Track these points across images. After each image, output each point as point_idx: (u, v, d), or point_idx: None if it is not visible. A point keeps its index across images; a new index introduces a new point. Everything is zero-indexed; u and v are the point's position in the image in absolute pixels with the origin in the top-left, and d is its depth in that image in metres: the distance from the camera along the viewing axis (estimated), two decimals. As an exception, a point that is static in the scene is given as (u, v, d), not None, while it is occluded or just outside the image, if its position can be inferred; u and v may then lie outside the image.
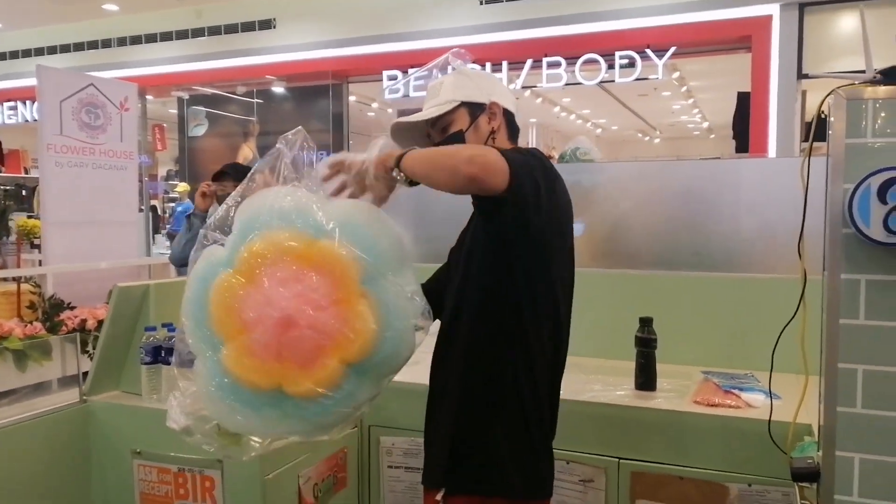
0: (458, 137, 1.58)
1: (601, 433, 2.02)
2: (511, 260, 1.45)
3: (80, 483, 2.03)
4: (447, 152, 1.39)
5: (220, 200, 3.29)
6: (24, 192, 9.62)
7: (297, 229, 1.25)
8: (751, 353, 2.30)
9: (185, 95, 9.11)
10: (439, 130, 1.62)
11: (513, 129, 1.66)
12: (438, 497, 1.48)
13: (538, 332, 1.50)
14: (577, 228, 2.69)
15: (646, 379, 2.15)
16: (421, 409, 1.92)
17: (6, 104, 9.76)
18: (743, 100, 6.39)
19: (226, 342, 1.22)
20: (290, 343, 1.18)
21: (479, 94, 1.62)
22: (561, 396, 1.89)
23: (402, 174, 1.36)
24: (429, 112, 1.60)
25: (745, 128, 6.30)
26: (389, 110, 8.92)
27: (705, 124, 14.94)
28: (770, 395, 1.61)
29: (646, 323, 2.18)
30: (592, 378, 2.29)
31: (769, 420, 1.58)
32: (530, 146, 1.73)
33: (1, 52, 9.75)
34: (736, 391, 2.07)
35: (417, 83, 7.26)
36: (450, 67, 1.70)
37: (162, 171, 12.18)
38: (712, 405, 1.97)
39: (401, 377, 2.19)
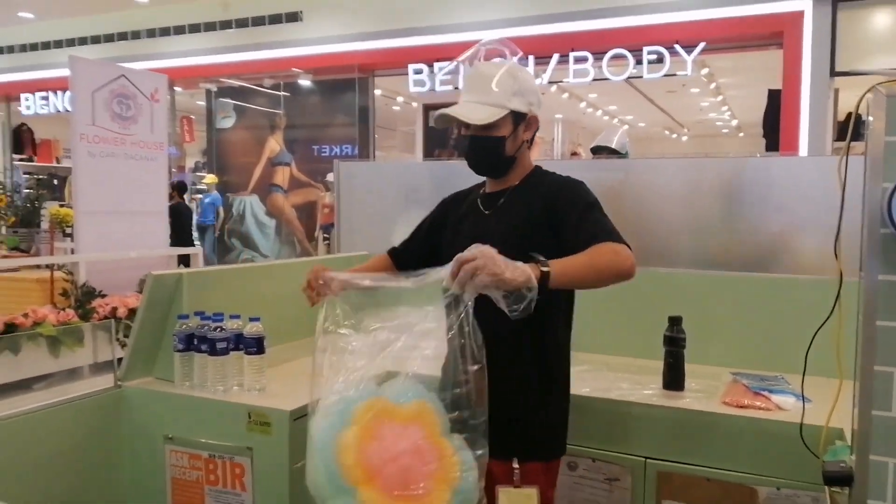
0: (500, 143, 1.69)
1: (628, 432, 2.02)
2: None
3: (113, 467, 2.07)
4: (602, 253, 1.52)
5: None
6: (55, 182, 9.81)
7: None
8: (781, 354, 2.27)
9: (213, 87, 9.19)
10: (481, 126, 1.68)
11: (533, 135, 1.80)
12: (515, 465, 1.63)
13: (569, 314, 1.78)
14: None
15: (674, 378, 2.14)
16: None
17: (38, 94, 9.91)
18: (774, 97, 6.30)
19: (358, 487, 1.40)
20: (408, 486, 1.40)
21: (524, 104, 1.71)
22: (588, 394, 1.89)
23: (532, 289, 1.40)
24: (479, 116, 1.66)
25: (775, 126, 6.21)
26: (415, 104, 8.92)
27: (734, 122, 14.74)
28: (802, 397, 1.60)
29: (675, 322, 2.16)
30: (620, 376, 2.28)
31: (801, 423, 1.56)
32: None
33: (33, 42, 9.91)
34: (766, 393, 2.05)
35: (445, 77, 7.28)
36: (499, 58, 1.74)
37: (190, 163, 12.32)
38: (741, 406, 1.95)
39: (427, 371, 2.21)
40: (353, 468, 1.39)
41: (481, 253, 1.37)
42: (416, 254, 1.90)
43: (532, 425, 1.69)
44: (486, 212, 1.78)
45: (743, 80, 10.16)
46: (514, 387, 1.67)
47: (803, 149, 5.91)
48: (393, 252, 1.96)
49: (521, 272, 1.38)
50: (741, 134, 15.83)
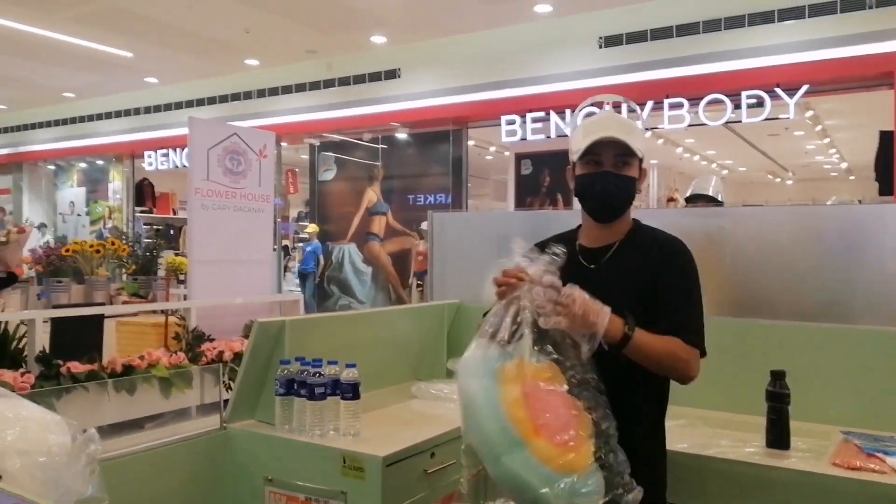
0: (632, 183, 1.77)
1: (728, 492, 1.93)
2: None
3: (216, 505, 2.17)
4: (676, 356, 1.66)
5: None
6: (172, 232, 10.51)
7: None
8: (897, 413, 2.13)
9: (317, 142, 9.67)
10: (619, 163, 1.74)
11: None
12: None
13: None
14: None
15: (778, 436, 2.03)
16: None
17: (159, 151, 10.73)
18: (886, 139, 5.98)
19: (528, 440, 1.49)
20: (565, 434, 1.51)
21: (640, 146, 1.77)
22: (685, 450, 1.83)
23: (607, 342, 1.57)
24: (634, 144, 1.73)
25: (889, 168, 5.89)
26: (507, 153, 9.03)
27: (843, 165, 14.03)
28: (920, 460, 1.49)
29: (778, 376, 2.07)
30: (720, 433, 2.19)
31: (919, 488, 1.46)
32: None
33: (156, 104, 10.80)
34: (880, 454, 1.92)
35: (536, 126, 7.34)
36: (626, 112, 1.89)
37: (293, 213, 12.91)
38: (853, 468, 1.83)
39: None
40: (524, 422, 1.48)
41: (584, 307, 1.53)
42: None
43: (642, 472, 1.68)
44: (591, 266, 1.78)
45: (851, 121, 9.71)
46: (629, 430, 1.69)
47: (921, 193, 5.56)
48: None
49: (610, 329, 1.55)
50: (851, 177, 15.01)
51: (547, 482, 1.46)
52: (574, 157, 1.78)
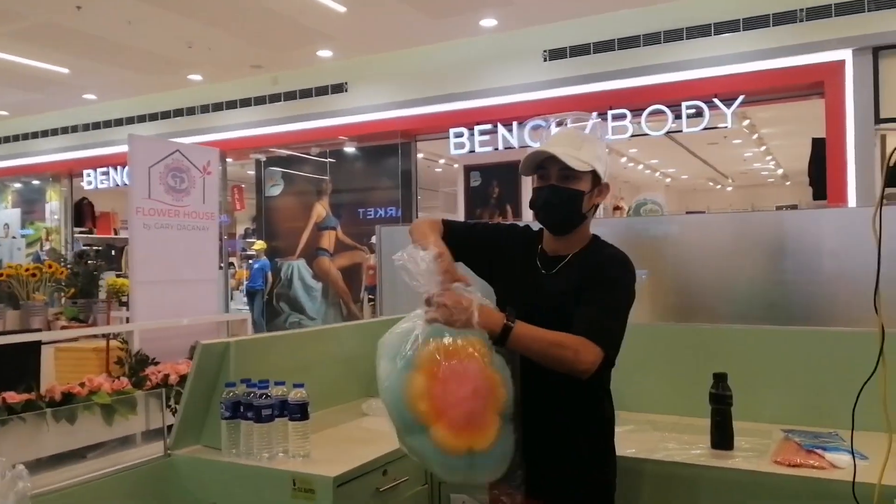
0: (579, 197, 1.79)
1: (676, 494, 1.96)
2: None
3: (163, 535, 2.10)
4: (563, 346, 1.64)
5: None
6: (113, 252, 10.21)
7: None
8: (835, 410, 2.20)
9: (263, 157, 9.54)
10: (563, 176, 1.78)
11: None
12: None
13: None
14: (643, 280, 2.68)
15: (722, 437, 2.09)
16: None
17: (99, 170, 10.43)
18: (818, 146, 6.22)
19: (430, 427, 1.60)
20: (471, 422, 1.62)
21: (602, 171, 1.81)
22: (634, 454, 1.86)
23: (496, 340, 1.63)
24: (573, 160, 1.75)
25: (821, 174, 6.11)
26: (456, 165, 9.08)
27: (780, 171, 14.54)
28: (853, 454, 1.54)
29: (720, 379, 2.12)
30: (667, 436, 2.24)
31: (853, 481, 1.51)
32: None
33: (95, 121, 10.50)
34: (819, 451, 1.98)
35: (483, 139, 7.41)
36: (587, 125, 1.91)
37: (240, 230, 12.70)
38: (794, 465, 1.89)
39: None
40: (425, 413, 1.59)
41: (453, 302, 1.59)
42: (461, 245, 1.90)
43: (590, 479, 1.76)
44: (544, 271, 1.85)
45: (786, 129, 10.07)
46: (570, 441, 1.77)
47: (852, 197, 5.79)
48: (446, 227, 1.96)
49: (487, 322, 1.61)
50: (788, 182, 15.58)
51: (443, 462, 1.62)
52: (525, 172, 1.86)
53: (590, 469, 1.76)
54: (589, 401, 1.79)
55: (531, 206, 1.87)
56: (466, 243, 1.94)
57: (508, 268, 1.91)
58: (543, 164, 1.80)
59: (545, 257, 1.87)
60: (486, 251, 1.95)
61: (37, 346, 3.71)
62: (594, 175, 1.80)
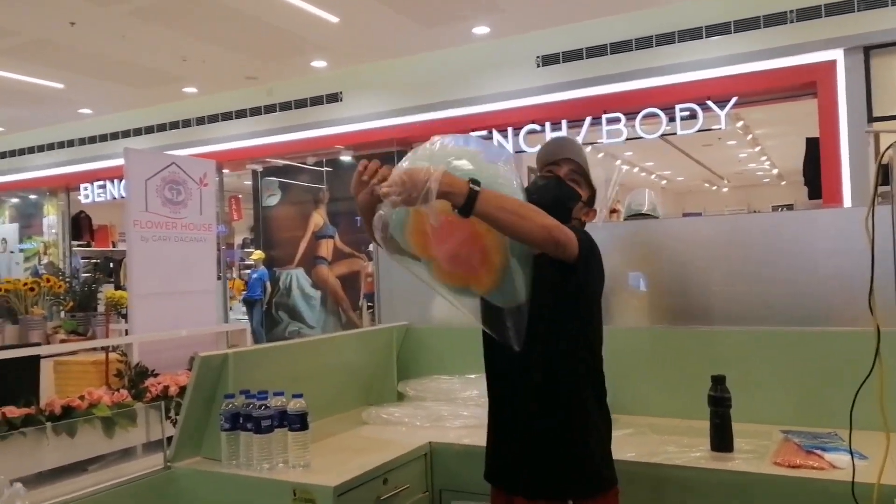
0: (576, 198, 1.89)
1: (676, 497, 1.97)
2: (578, 307, 1.79)
3: (164, 548, 2.10)
4: (534, 209, 1.61)
5: None
6: (111, 265, 10.21)
7: None
8: (834, 410, 2.20)
9: (259, 168, 9.55)
10: (572, 177, 1.90)
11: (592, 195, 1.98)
12: None
13: (598, 357, 1.85)
14: (640, 283, 2.69)
15: (721, 440, 2.09)
16: (491, 473, 1.92)
17: (96, 183, 10.43)
18: (812, 145, 6.24)
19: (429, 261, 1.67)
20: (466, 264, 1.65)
21: (594, 199, 1.95)
22: (633, 458, 1.86)
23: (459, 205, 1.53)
24: (586, 165, 1.90)
25: (816, 173, 6.14)
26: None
27: (775, 171, 14.59)
28: (851, 454, 1.55)
29: (718, 381, 2.13)
30: (666, 439, 2.24)
31: (853, 481, 1.51)
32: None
33: (91, 135, 10.50)
34: (819, 451, 1.99)
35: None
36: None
37: (238, 240, 12.71)
38: (794, 466, 1.89)
39: (471, 440, 2.21)
40: (421, 249, 1.63)
41: (409, 176, 1.50)
42: None
43: (577, 460, 1.75)
44: None
45: (780, 129, 10.11)
46: (553, 425, 1.76)
47: (847, 196, 5.81)
48: None
49: (450, 191, 1.50)
50: (783, 182, 15.63)
51: (449, 291, 1.69)
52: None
53: (582, 465, 1.75)
54: (576, 378, 1.79)
55: (527, 192, 1.86)
56: None
57: None
58: (558, 161, 1.92)
59: None
60: None
61: (36, 360, 3.72)
62: (592, 194, 1.94)
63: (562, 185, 1.89)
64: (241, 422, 2.04)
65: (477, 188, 1.51)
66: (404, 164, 1.62)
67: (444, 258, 1.63)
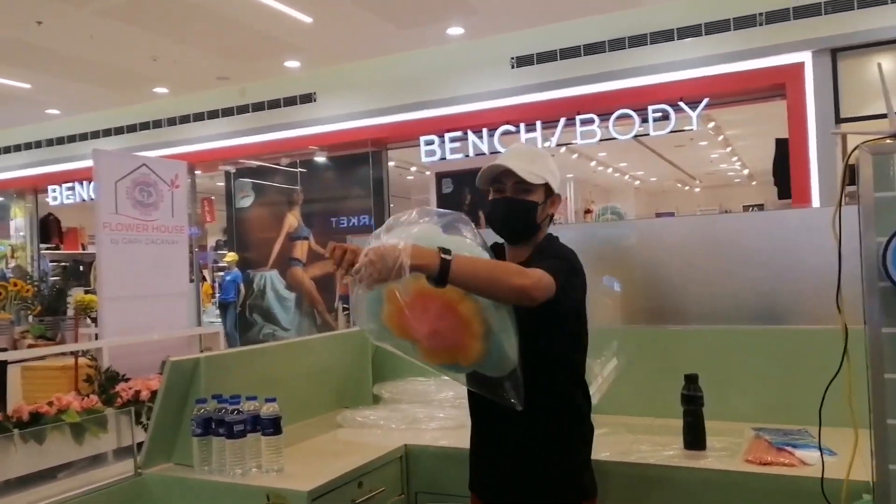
0: (533, 208, 1.85)
1: (650, 496, 1.98)
2: (563, 325, 1.82)
3: (135, 556, 2.06)
4: (506, 269, 1.63)
5: None
6: (80, 268, 10.02)
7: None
8: (803, 407, 2.20)
9: (232, 169, 9.45)
10: (518, 189, 1.84)
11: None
12: None
13: (581, 362, 1.88)
14: (614, 286, 2.70)
15: (694, 438, 2.11)
16: (468, 475, 1.93)
17: (65, 185, 10.25)
18: (781, 146, 6.34)
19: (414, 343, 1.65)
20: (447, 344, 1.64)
21: (556, 184, 1.89)
22: (608, 458, 1.88)
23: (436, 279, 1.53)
24: (527, 174, 1.81)
25: (785, 173, 6.24)
26: (427, 173, 9.08)
27: (746, 171, 14.80)
28: (821, 450, 1.57)
29: (691, 380, 2.15)
30: (640, 438, 2.25)
31: (822, 478, 1.54)
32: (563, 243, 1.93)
33: (59, 136, 10.31)
34: (789, 448, 2.02)
35: (454, 146, 7.44)
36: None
37: (211, 242, 12.55)
38: (765, 464, 1.92)
39: (447, 442, 2.21)
40: (402, 335, 1.62)
41: (377, 255, 1.50)
42: None
43: (558, 473, 1.77)
44: None
45: (750, 130, 10.25)
46: (534, 443, 1.77)
47: (815, 196, 5.91)
48: None
49: (421, 262, 1.50)
50: (754, 182, 15.85)
51: (438, 369, 1.70)
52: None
53: (563, 477, 1.77)
54: (559, 390, 1.81)
55: (487, 218, 1.92)
56: None
57: None
58: (499, 177, 1.85)
59: None
60: None
61: (3, 365, 3.64)
62: (547, 187, 1.87)
63: (513, 203, 1.84)
64: (213, 427, 2.01)
65: (448, 257, 1.52)
66: (371, 243, 1.59)
67: (426, 336, 1.61)
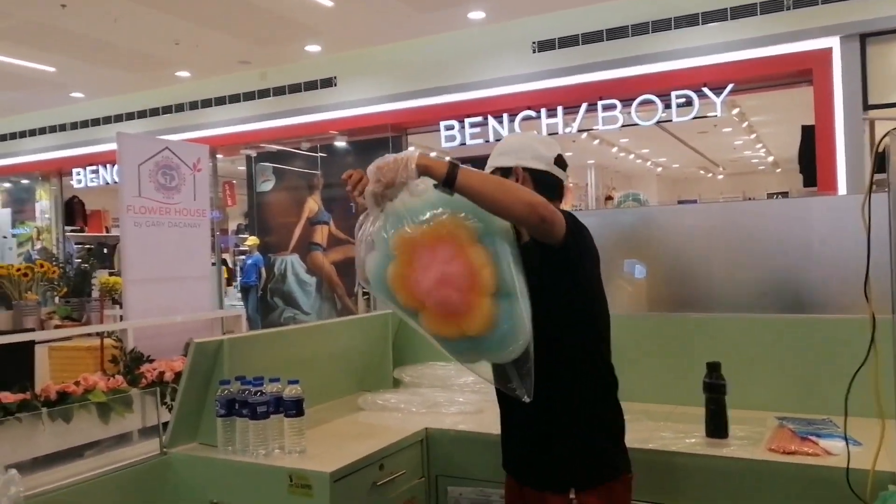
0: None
1: (671, 483, 1.98)
2: (571, 290, 1.72)
3: (161, 533, 2.10)
4: (518, 186, 1.63)
5: None
6: (105, 251, 10.16)
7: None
8: (828, 396, 2.21)
9: (253, 153, 9.50)
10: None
11: (544, 184, 1.81)
12: (571, 496, 1.68)
13: (598, 339, 1.79)
14: (640, 271, 2.69)
15: (717, 426, 2.10)
16: (488, 459, 1.94)
17: (89, 168, 10.37)
18: (808, 133, 6.24)
19: (418, 312, 1.61)
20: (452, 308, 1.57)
21: (507, 159, 1.84)
22: (629, 445, 1.88)
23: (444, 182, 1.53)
24: (491, 167, 1.87)
25: (811, 161, 6.14)
26: (447, 158, 9.07)
27: (770, 158, 14.59)
28: (846, 440, 1.56)
29: (713, 368, 2.13)
30: (661, 425, 2.25)
31: (847, 468, 1.52)
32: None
33: (83, 120, 10.43)
34: (813, 438, 2.00)
35: (474, 131, 7.42)
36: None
37: (232, 226, 12.65)
38: (788, 453, 1.90)
39: (467, 426, 2.22)
40: (408, 302, 1.59)
41: (386, 162, 1.57)
42: None
43: (578, 452, 1.72)
44: None
45: (776, 117, 10.11)
46: (551, 417, 1.73)
47: (842, 183, 5.82)
48: None
49: (430, 164, 1.54)
50: (778, 170, 15.64)
51: (445, 346, 1.61)
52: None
53: (584, 456, 1.75)
54: (579, 390, 1.77)
55: None
56: None
57: None
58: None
59: None
60: None
61: (30, 345, 3.71)
62: (501, 171, 1.83)
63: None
64: (236, 408, 2.03)
65: (456, 163, 1.55)
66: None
67: (433, 286, 1.54)
